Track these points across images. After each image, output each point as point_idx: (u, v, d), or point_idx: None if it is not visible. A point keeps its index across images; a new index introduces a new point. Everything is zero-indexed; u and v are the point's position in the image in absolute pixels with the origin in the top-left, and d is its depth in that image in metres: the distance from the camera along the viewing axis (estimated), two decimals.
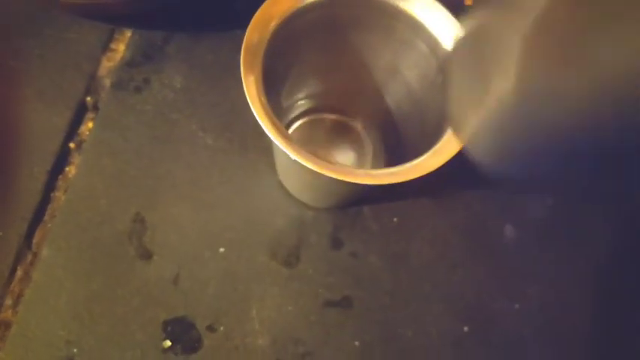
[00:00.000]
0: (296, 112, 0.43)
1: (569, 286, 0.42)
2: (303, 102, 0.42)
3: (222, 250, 0.40)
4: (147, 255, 0.40)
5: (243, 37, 0.46)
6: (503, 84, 0.23)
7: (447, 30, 0.33)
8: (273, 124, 0.29)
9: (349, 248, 0.41)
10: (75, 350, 0.37)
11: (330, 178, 0.29)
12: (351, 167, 0.30)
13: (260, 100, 0.30)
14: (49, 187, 0.41)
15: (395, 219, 0.43)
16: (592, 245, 0.43)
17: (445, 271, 0.42)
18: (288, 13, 0.32)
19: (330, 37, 0.35)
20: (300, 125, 0.44)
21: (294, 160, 0.29)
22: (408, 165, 0.30)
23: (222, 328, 0.38)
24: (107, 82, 0.44)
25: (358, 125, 0.43)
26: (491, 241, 0.43)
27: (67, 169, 0.42)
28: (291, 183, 0.41)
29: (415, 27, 0.33)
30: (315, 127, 0.44)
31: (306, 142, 0.43)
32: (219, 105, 0.44)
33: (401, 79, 0.36)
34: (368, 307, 0.40)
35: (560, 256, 0.43)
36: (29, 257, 0.39)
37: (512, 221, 0.44)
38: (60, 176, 0.42)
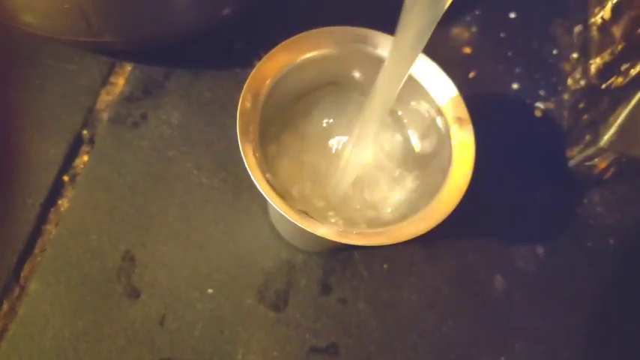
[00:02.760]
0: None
1: (556, 342, 0.42)
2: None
3: (210, 291, 0.40)
4: (135, 294, 0.40)
5: (241, 76, 0.47)
6: None
7: (443, 89, 0.34)
8: (267, 182, 0.29)
9: (338, 294, 0.41)
10: None
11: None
12: (341, 226, 0.30)
13: (255, 156, 0.30)
14: (41, 219, 0.41)
15: (385, 265, 0.43)
16: (581, 301, 0.43)
17: (434, 320, 0.42)
18: (282, 72, 0.32)
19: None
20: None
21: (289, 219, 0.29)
22: (395, 227, 0.30)
23: None
24: (105, 116, 0.44)
25: None
26: (482, 292, 0.43)
27: (59, 202, 0.42)
28: (283, 227, 0.41)
29: (413, 87, 0.34)
30: None
31: None
32: (215, 143, 0.44)
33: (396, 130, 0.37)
34: (354, 355, 0.40)
35: (549, 310, 0.43)
36: (16, 291, 0.39)
37: (502, 272, 0.44)
38: (52, 209, 0.41)
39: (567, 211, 0.47)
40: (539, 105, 0.51)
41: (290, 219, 0.29)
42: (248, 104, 0.31)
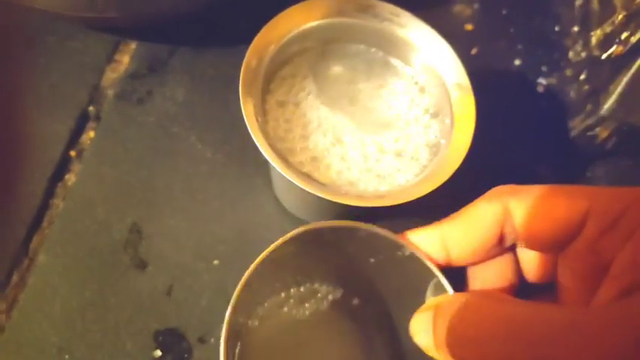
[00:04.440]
0: None
1: None
2: None
3: (216, 262, 0.41)
4: (142, 265, 0.40)
5: (244, 53, 0.47)
6: None
7: (442, 55, 0.34)
8: (269, 146, 0.29)
9: None
10: (66, 357, 0.37)
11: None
12: (343, 191, 0.30)
13: (257, 120, 0.30)
14: (49, 193, 0.42)
15: None
16: None
17: None
18: (285, 38, 0.33)
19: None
20: None
21: (290, 181, 0.29)
22: (397, 189, 0.30)
23: (212, 340, 0.39)
24: (110, 93, 0.45)
25: None
26: None
27: (66, 176, 0.42)
28: (286, 199, 0.41)
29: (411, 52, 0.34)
30: None
31: None
32: (219, 119, 0.45)
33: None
34: None
35: None
36: (26, 263, 0.40)
37: None
38: (59, 183, 0.42)
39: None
40: (542, 81, 0.51)
41: (287, 177, 0.29)
42: (253, 62, 0.31)
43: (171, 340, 0.38)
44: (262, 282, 0.34)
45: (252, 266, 0.30)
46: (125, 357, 0.38)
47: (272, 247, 0.30)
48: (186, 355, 0.38)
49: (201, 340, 0.39)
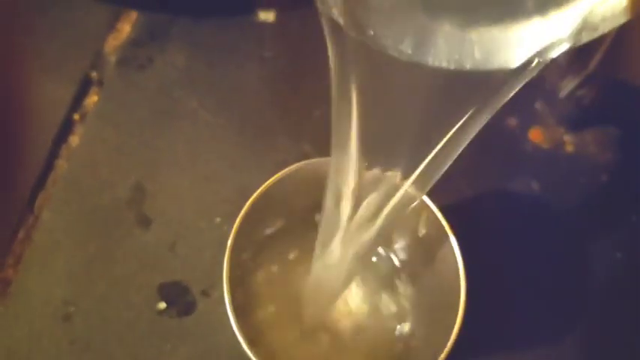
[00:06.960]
0: None
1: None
2: None
3: (218, 220, 0.42)
4: (145, 222, 0.41)
5: (243, 22, 0.48)
6: None
7: None
8: None
9: None
10: (72, 309, 0.38)
11: None
12: None
13: None
14: (53, 155, 0.42)
15: None
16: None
17: None
18: None
19: None
20: None
21: None
22: None
23: (216, 294, 0.40)
24: (112, 59, 0.46)
25: None
26: None
27: (70, 138, 0.43)
28: None
29: None
30: None
31: None
32: (219, 85, 0.46)
33: None
34: None
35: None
36: (31, 220, 0.40)
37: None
38: (63, 145, 0.43)
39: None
40: None
41: None
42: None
43: (176, 293, 0.39)
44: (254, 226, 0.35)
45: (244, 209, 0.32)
46: (130, 309, 0.39)
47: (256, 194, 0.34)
48: (190, 308, 0.39)
49: (205, 294, 0.40)
